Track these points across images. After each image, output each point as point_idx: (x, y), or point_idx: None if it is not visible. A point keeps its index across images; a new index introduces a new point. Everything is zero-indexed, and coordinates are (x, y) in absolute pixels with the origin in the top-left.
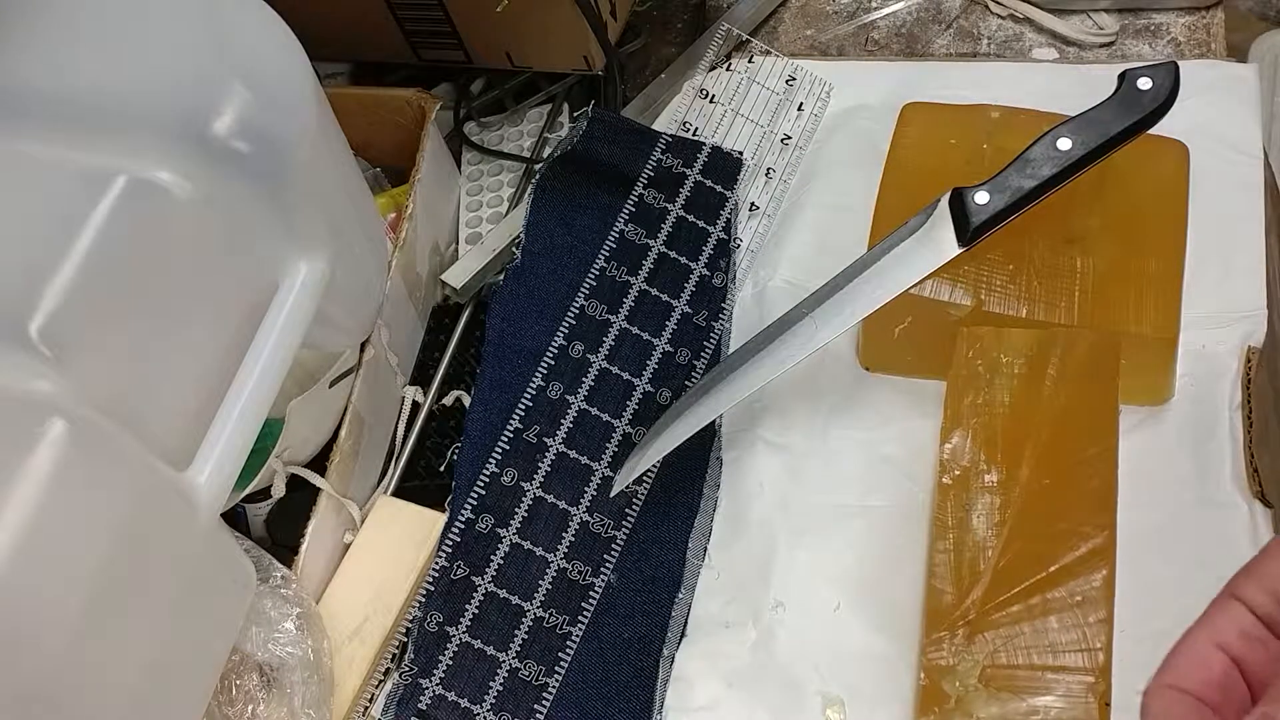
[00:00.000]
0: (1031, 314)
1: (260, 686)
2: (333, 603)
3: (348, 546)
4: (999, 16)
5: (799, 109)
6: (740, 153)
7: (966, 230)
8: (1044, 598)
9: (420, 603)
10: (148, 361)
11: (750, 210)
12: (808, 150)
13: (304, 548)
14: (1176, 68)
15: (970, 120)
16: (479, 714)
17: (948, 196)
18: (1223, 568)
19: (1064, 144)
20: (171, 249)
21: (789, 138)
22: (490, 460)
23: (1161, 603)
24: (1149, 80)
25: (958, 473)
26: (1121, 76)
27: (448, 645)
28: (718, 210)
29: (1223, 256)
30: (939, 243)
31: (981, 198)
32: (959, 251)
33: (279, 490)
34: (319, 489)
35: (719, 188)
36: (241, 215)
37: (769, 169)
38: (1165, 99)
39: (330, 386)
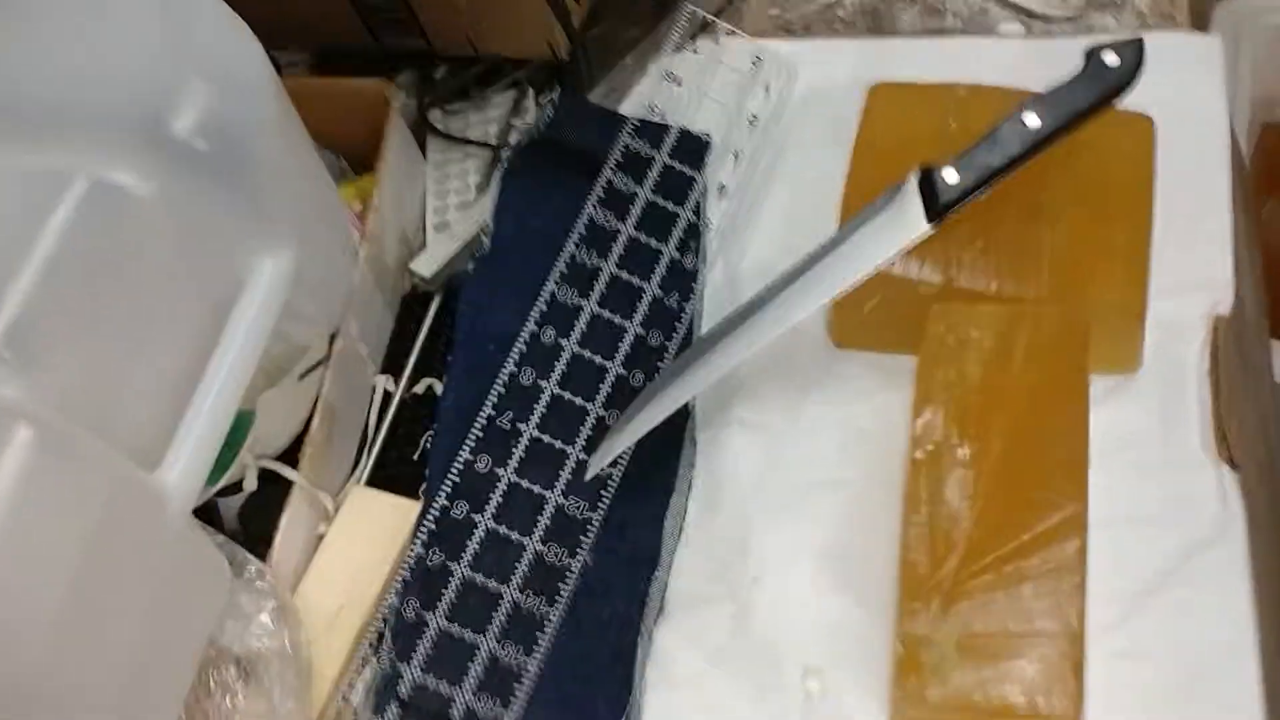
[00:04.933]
0: (1001, 289)
1: (238, 679)
2: (309, 593)
3: (321, 537)
4: None
5: (765, 90)
6: (708, 135)
7: (935, 208)
8: (1017, 566)
9: (397, 590)
10: (115, 361)
11: (719, 192)
12: (775, 131)
13: (278, 540)
14: (1142, 43)
15: (938, 99)
16: (459, 699)
17: (917, 175)
18: (1191, 530)
19: (1031, 120)
20: (134, 248)
21: (756, 118)
22: (464, 447)
23: (1132, 565)
24: (1115, 56)
25: (930, 447)
26: (1088, 53)
27: (425, 632)
28: (686, 192)
29: (1190, 227)
30: (908, 221)
31: (950, 175)
32: (928, 229)
33: (251, 484)
34: (292, 481)
35: (687, 170)
36: (204, 212)
37: (736, 151)
38: (1130, 74)
39: (300, 379)
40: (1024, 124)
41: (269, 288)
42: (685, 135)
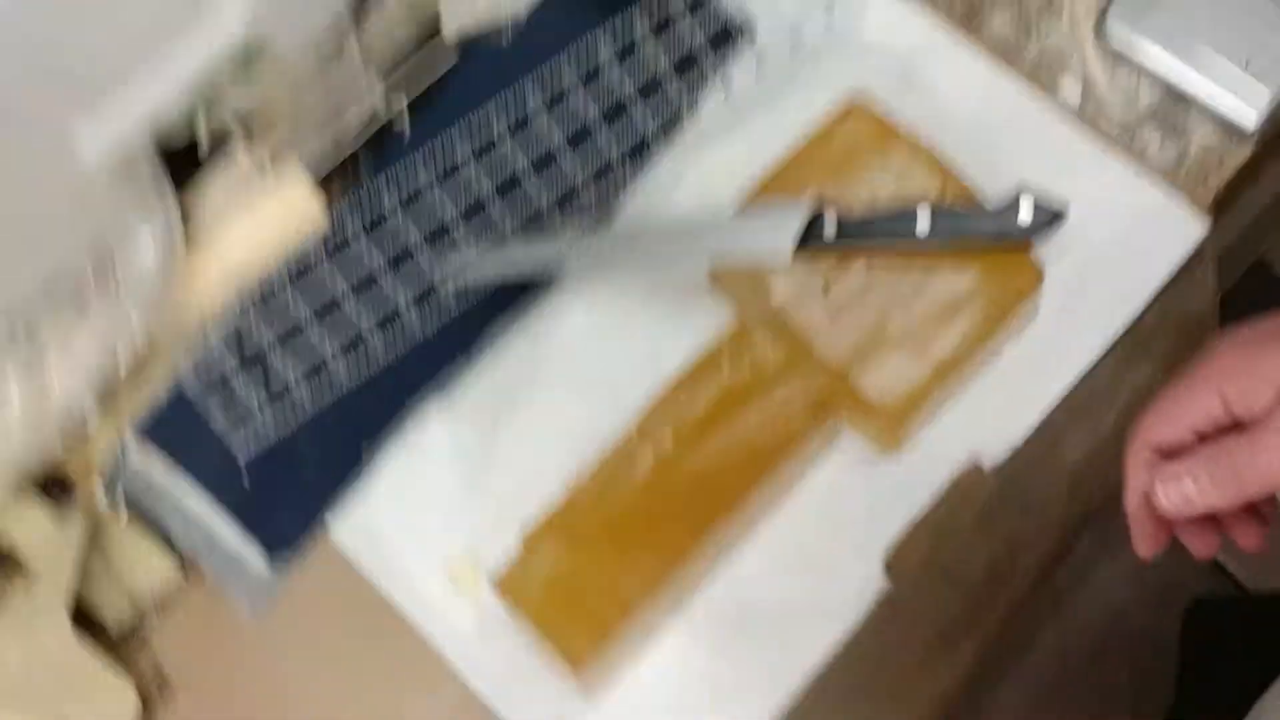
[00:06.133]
0: (819, 347)
1: None
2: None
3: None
4: None
5: (826, 10)
6: (744, 30)
7: (805, 243)
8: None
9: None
10: None
11: (724, 93)
12: (802, 62)
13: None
14: (1063, 214)
15: (890, 145)
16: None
17: (809, 209)
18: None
19: (921, 224)
20: None
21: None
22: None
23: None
24: (1029, 209)
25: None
26: (1017, 191)
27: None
28: (698, 88)
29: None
30: (781, 240)
31: (829, 228)
32: (788, 256)
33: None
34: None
35: (710, 65)
36: None
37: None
38: (1034, 233)
39: None
40: (914, 223)
41: None
42: (723, 31)
